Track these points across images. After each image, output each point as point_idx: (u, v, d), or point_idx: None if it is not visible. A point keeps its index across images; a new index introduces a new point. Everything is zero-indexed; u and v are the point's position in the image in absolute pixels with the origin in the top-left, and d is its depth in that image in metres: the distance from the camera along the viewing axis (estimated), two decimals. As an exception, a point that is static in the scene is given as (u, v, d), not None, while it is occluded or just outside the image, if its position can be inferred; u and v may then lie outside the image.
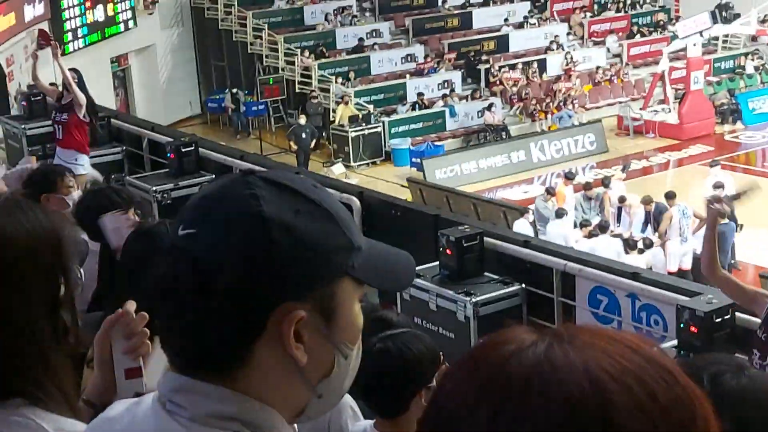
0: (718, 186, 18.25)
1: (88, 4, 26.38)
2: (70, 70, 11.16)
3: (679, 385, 0.96)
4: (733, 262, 16.01)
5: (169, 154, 12.15)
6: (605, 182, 20.10)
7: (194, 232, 1.39)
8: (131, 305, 2.09)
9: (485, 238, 9.10)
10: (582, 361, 0.94)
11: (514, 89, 28.75)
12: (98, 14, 26.86)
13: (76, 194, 5.89)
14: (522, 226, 16.83)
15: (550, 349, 0.96)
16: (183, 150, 12.04)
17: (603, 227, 16.75)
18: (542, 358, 0.95)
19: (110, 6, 27.44)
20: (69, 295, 1.80)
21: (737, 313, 7.09)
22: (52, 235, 1.77)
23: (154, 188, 11.60)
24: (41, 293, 1.74)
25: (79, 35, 26.04)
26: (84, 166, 11.09)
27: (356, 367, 1.47)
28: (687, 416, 0.95)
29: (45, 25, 21.98)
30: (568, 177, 20.67)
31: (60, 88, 11.44)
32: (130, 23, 28.55)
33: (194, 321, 1.36)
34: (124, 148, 13.09)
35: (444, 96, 27.91)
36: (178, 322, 1.39)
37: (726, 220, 16.26)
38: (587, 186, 19.71)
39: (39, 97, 13.43)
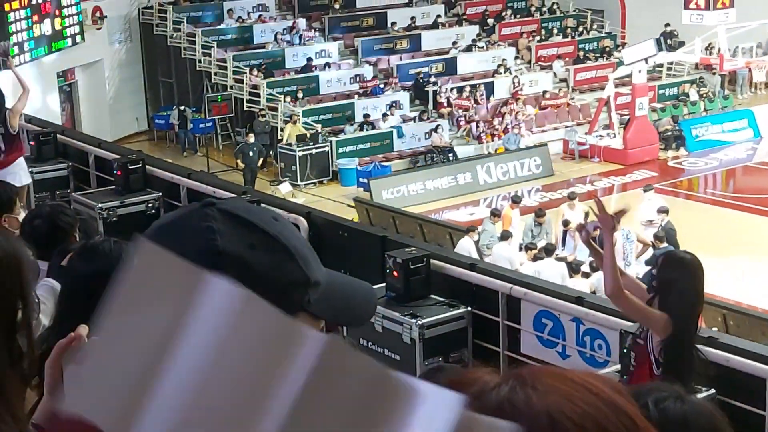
0: (662, 210, 18.50)
1: (35, 17, 26.14)
2: None
3: (638, 430, 0.98)
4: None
5: (115, 171, 12.06)
6: (571, 196, 20.50)
7: None
8: (83, 329, 2.08)
9: (432, 260, 9.13)
10: (543, 405, 0.95)
11: (461, 111, 28.94)
12: (45, 28, 26.63)
13: (23, 212, 5.74)
14: (466, 245, 16.93)
15: (512, 392, 0.97)
16: (130, 167, 11.96)
17: (548, 250, 16.87)
18: (504, 402, 0.96)
19: (58, 20, 27.22)
20: (26, 320, 1.78)
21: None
22: (12, 259, 1.76)
23: (99, 205, 11.49)
24: None
25: (26, 49, 25.79)
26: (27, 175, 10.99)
27: None
28: None
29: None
30: (515, 201, 20.88)
31: None
32: (78, 38, 28.34)
33: None
34: (70, 164, 12.97)
35: (384, 115, 28.00)
36: None
37: (665, 244, 16.48)
38: (539, 213, 19.83)
39: None
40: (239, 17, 32.13)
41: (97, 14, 29.90)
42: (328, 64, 30.34)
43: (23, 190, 9.89)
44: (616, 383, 1.02)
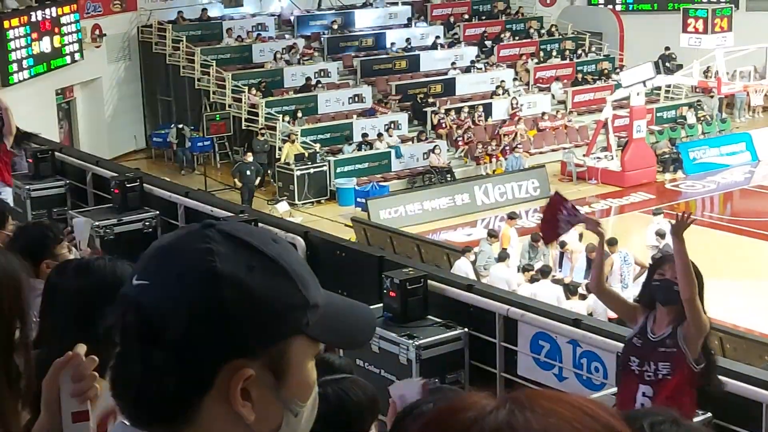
0: (660, 234, 18.50)
1: (34, 35, 26.17)
2: None
3: None
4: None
5: (113, 189, 12.05)
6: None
7: (147, 283, 1.38)
8: (81, 348, 2.07)
9: (429, 281, 9.11)
10: (542, 427, 0.95)
11: (459, 132, 28.96)
12: (44, 46, 26.65)
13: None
14: (463, 265, 16.90)
15: (511, 415, 0.97)
16: (127, 185, 11.95)
17: (545, 272, 16.84)
18: (504, 425, 0.96)
19: (57, 38, 27.26)
20: (24, 340, 1.78)
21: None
22: (11, 278, 1.75)
23: (96, 223, 11.45)
24: None
25: (25, 66, 25.81)
26: (8, 198, 10.88)
27: (310, 420, 1.47)
28: None
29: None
30: (511, 217, 20.79)
31: None
32: (77, 56, 28.38)
33: (140, 373, 1.35)
34: (68, 182, 12.95)
35: (379, 135, 27.99)
36: (125, 372, 1.38)
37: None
38: (535, 237, 19.76)
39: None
40: (238, 36, 32.20)
41: (97, 32, 29.96)
42: (319, 82, 30.40)
43: None
44: (610, 407, 1.02)
